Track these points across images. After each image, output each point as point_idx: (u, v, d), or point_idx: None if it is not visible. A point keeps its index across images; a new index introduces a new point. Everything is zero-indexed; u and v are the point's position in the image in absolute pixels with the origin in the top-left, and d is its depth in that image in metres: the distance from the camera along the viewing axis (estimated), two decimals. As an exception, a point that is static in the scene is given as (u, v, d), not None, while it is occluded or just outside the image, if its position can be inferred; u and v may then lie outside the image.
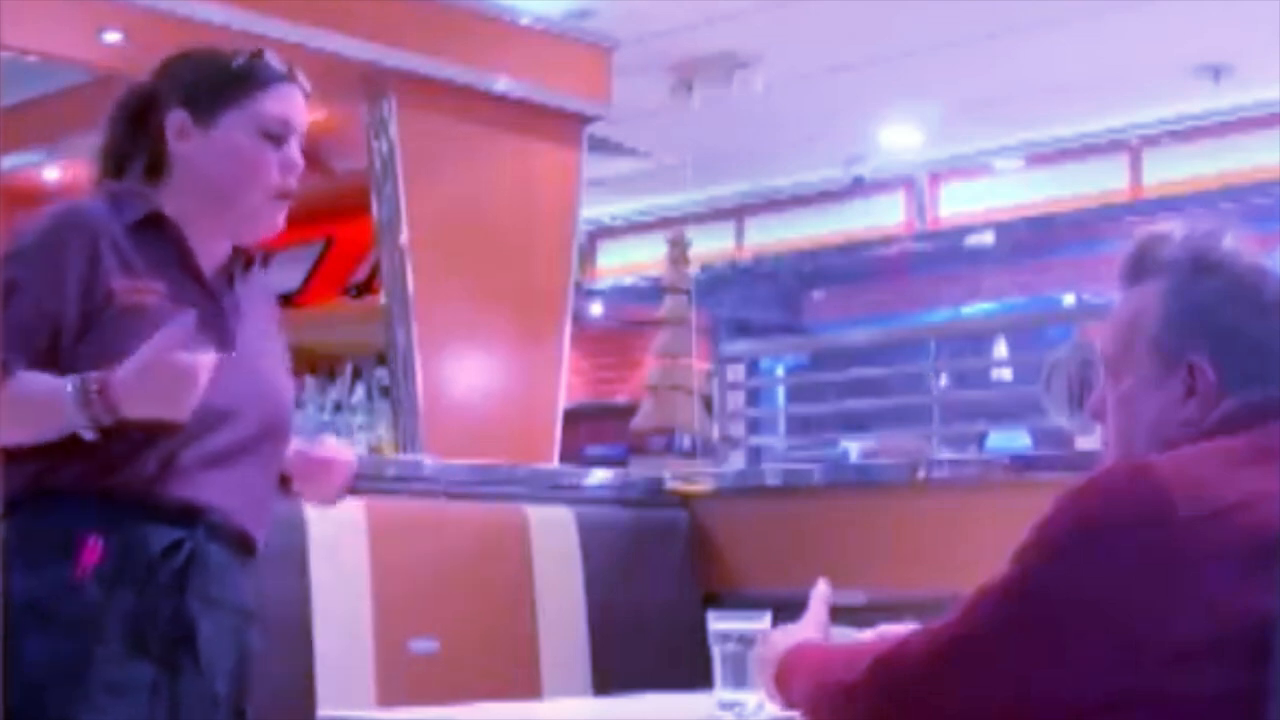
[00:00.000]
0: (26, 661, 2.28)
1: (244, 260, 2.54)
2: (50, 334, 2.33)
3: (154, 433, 2.31)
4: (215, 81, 2.48)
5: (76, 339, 2.34)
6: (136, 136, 2.51)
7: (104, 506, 2.33)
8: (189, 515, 2.37)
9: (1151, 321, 1.76)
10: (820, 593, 2.13)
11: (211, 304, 2.46)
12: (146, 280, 2.39)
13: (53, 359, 2.32)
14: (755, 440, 6.89)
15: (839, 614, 2.12)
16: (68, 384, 2.26)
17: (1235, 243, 1.79)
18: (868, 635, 2.02)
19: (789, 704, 1.93)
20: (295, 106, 2.50)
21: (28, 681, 2.28)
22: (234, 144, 2.46)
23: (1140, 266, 1.81)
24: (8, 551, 2.33)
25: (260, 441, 2.45)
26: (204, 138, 2.46)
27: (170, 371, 2.24)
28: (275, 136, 2.47)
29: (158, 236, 2.44)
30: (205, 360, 2.26)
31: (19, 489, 2.36)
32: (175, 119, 2.46)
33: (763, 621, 2.24)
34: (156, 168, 2.49)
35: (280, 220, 2.53)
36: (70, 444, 2.29)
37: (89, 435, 2.26)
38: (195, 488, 2.37)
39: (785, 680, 1.93)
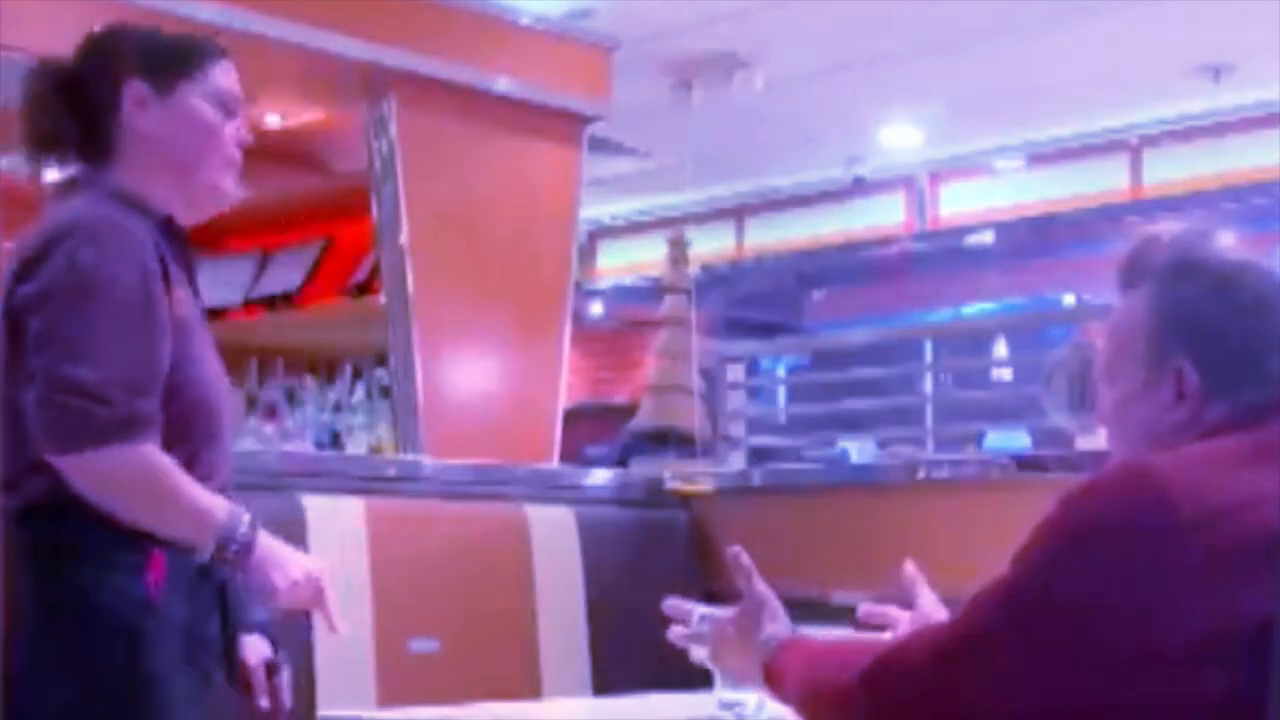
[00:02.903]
0: (91, 666, 2.26)
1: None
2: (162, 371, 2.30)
3: (195, 449, 2.32)
4: (172, 51, 2.45)
5: None
6: (71, 117, 2.42)
7: None
8: None
9: (1140, 327, 1.77)
10: (910, 573, 2.24)
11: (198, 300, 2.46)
12: (178, 288, 2.37)
13: None
14: (755, 440, 6.88)
15: (839, 614, 2.12)
16: (220, 517, 2.29)
17: (1223, 243, 1.79)
18: (885, 636, 2.04)
19: (783, 700, 1.93)
20: (237, 83, 2.50)
21: (87, 684, 2.27)
22: (194, 111, 2.43)
23: (1133, 271, 1.82)
24: (64, 550, 2.28)
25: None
26: (163, 107, 2.42)
27: (313, 586, 2.40)
28: (227, 109, 2.46)
29: (171, 238, 2.41)
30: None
31: (45, 499, 2.29)
32: (135, 89, 2.41)
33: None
34: (102, 147, 2.42)
35: (236, 191, 2.49)
36: None
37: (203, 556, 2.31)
38: (224, 494, 2.38)
39: (779, 677, 1.93)
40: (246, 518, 2.31)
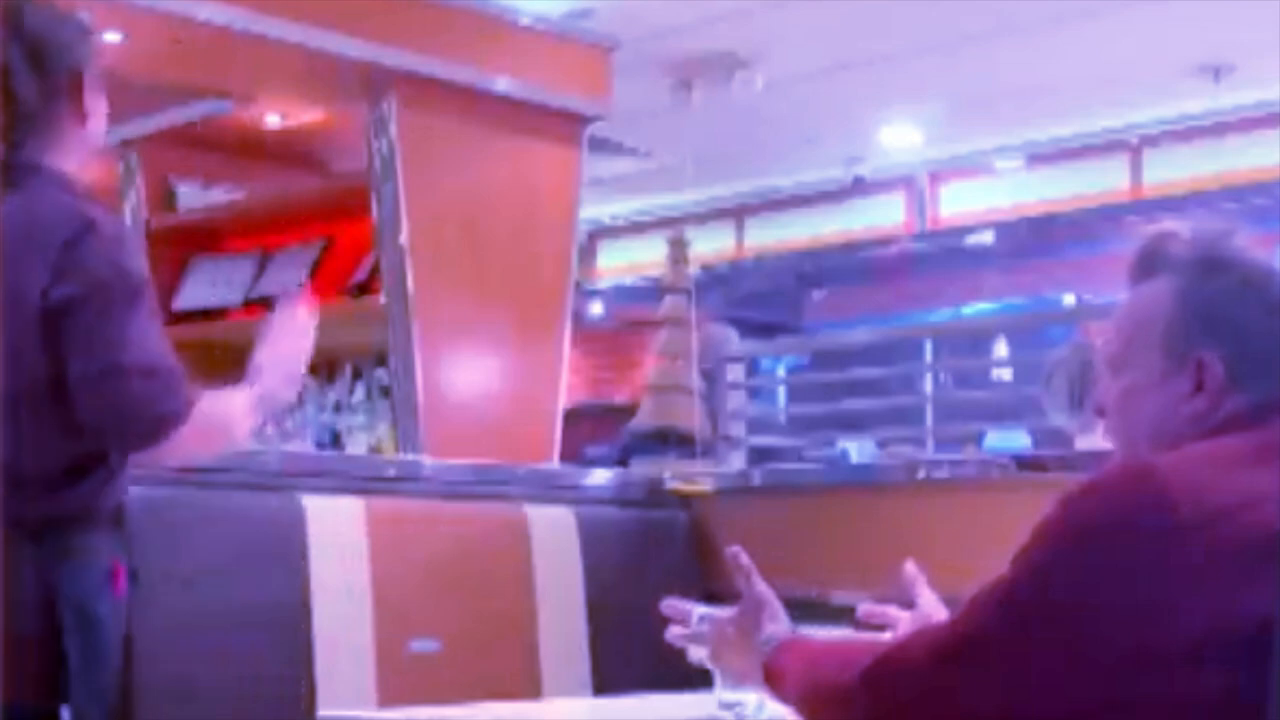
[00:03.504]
0: (91, 673, 2.29)
1: None
2: None
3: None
4: (90, 38, 2.41)
5: None
6: (39, 94, 2.34)
7: (115, 529, 2.35)
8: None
9: (1161, 317, 1.77)
10: (910, 573, 2.22)
11: None
12: None
13: None
14: (755, 440, 6.90)
15: (839, 614, 2.12)
16: (243, 399, 2.38)
17: (1244, 242, 1.80)
18: (887, 635, 2.04)
19: (783, 700, 1.93)
20: None
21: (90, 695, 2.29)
22: (102, 98, 2.41)
23: (1150, 263, 1.81)
24: (65, 561, 2.30)
25: None
26: (96, 94, 2.39)
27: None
28: None
29: None
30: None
31: (71, 508, 2.31)
32: (93, 73, 2.37)
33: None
34: (35, 131, 2.35)
35: None
36: (106, 466, 2.32)
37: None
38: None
39: (779, 677, 1.93)
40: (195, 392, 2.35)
